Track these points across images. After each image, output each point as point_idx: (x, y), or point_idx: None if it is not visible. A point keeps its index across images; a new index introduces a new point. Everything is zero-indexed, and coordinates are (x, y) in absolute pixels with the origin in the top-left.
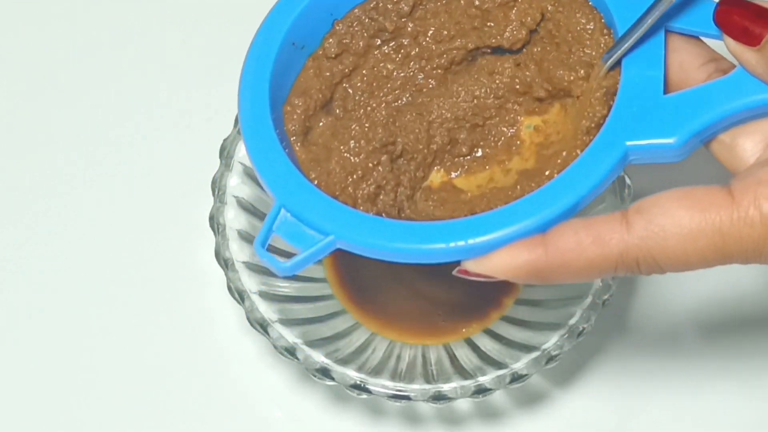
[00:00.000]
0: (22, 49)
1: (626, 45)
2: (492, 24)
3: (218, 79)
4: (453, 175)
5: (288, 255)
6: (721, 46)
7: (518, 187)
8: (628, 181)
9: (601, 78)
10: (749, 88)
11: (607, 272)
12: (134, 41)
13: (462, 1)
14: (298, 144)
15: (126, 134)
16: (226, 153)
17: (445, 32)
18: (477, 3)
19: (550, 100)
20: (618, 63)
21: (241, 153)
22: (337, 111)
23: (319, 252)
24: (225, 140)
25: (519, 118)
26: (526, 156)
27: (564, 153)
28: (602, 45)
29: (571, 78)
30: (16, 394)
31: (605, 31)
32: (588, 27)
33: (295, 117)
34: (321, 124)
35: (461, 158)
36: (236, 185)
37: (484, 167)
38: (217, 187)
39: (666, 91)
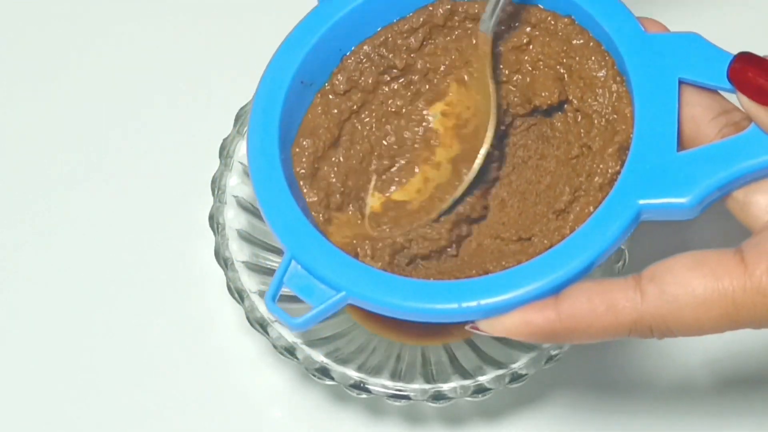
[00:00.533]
0: (21, 50)
1: (501, 3)
2: (502, 66)
3: (218, 78)
4: (388, 193)
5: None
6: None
7: (456, 173)
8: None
9: (487, 39)
10: (763, 147)
11: (619, 336)
12: (134, 41)
13: (473, 40)
14: (307, 186)
15: (125, 134)
16: (225, 152)
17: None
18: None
19: (443, 80)
20: (496, 24)
21: (240, 153)
22: (345, 146)
23: (331, 308)
24: (225, 140)
25: (423, 113)
26: (447, 143)
27: (484, 123)
28: (615, 93)
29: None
30: (15, 393)
31: (618, 78)
32: (600, 74)
33: (303, 160)
34: (332, 160)
35: (387, 173)
36: (236, 185)
37: (413, 171)
38: (217, 186)
39: (678, 145)
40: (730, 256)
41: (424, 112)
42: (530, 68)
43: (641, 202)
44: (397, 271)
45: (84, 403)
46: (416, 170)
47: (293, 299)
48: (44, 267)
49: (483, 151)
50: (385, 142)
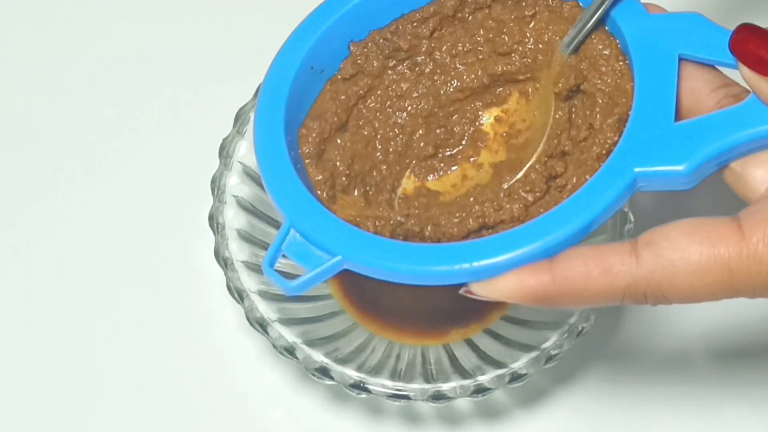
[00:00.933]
0: (21, 50)
1: (584, 30)
2: (506, 37)
3: (218, 78)
4: (426, 179)
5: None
6: (734, 73)
7: (497, 178)
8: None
9: (563, 62)
10: (761, 117)
11: (613, 301)
12: (134, 40)
13: (479, 15)
14: (312, 166)
15: (125, 134)
16: (225, 152)
17: (461, 46)
18: (494, 15)
19: (507, 88)
20: (576, 49)
21: (240, 152)
22: (351, 130)
23: (326, 272)
24: (224, 139)
25: (479, 112)
26: (494, 148)
27: (536, 139)
28: (618, 71)
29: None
30: (15, 393)
31: (620, 57)
32: (604, 53)
33: (310, 140)
34: (338, 142)
35: (428, 161)
36: (235, 185)
37: (453, 166)
38: (217, 186)
39: (677, 117)
40: (727, 224)
41: (480, 113)
42: (539, 44)
43: (637, 169)
44: None
45: (84, 402)
46: (456, 166)
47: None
48: (44, 267)
49: (524, 170)
50: (420, 132)
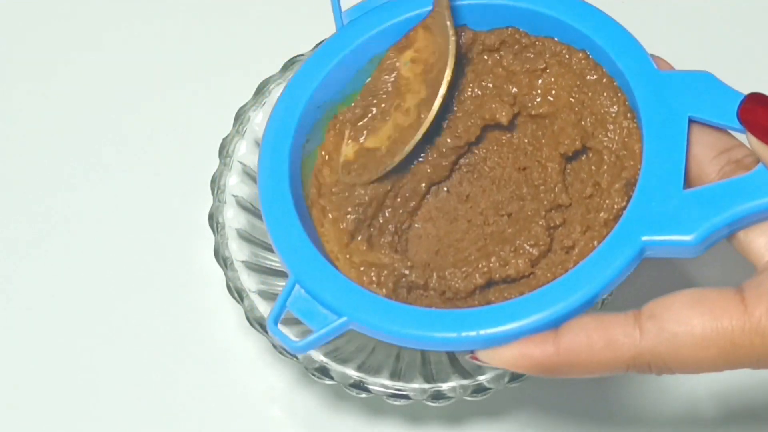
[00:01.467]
0: (21, 50)
1: None
2: (515, 89)
3: (218, 77)
4: (361, 140)
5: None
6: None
7: (421, 117)
8: None
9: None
10: None
11: (617, 372)
12: (134, 40)
13: (489, 62)
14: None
15: (125, 133)
16: (225, 152)
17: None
18: (504, 64)
19: (413, 28)
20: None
21: (240, 152)
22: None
23: (332, 333)
24: (224, 139)
25: (395, 61)
26: (416, 89)
27: (444, 63)
28: (626, 129)
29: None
30: (15, 393)
31: (629, 114)
32: (612, 110)
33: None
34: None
35: (360, 122)
36: (235, 184)
37: (385, 119)
38: (216, 186)
39: (685, 182)
40: (730, 296)
41: (395, 61)
42: (547, 108)
43: (645, 238)
44: (399, 300)
45: (83, 401)
46: (387, 118)
47: (295, 321)
48: (43, 267)
49: (441, 91)
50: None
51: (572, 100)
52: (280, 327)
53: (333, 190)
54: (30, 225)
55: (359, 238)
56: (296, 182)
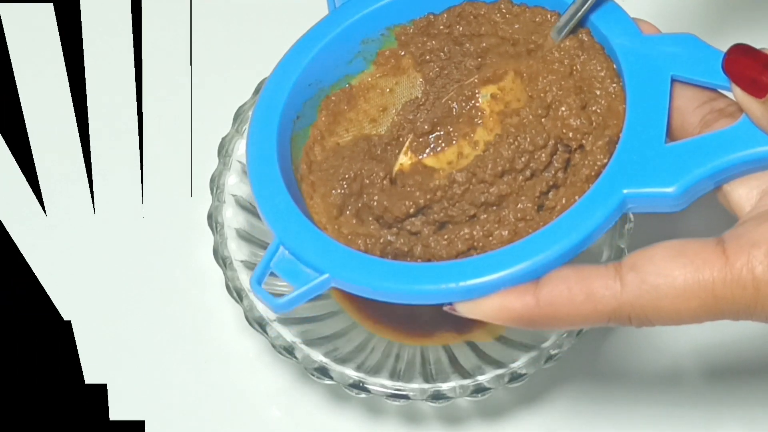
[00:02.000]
0: (21, 49)
1: (576, 16)
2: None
3: (217, 77)
4: (421, 156)
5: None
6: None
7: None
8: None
9: (554, 46)
10: (752, 140)
11: (597, 324)
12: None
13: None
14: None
15: (124, 133)
16: (224, 151)
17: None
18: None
19: (503, 67)
20: (568, 33)
21: (239, 151)
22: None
23: (314, 289)
24: (223, 138)
25: (476, 90)
26: (489, 126)
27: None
28: (612, 93)
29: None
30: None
31: (615, 78)
32: (600, 74)
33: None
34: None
35: (425, 137)
36: (234, 184)
37: (450, 143)
38: (216, 185)
39: (668, 138)
40: (711, 247)
41: (476, 91)
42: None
43: (626, 191)
44: None
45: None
46: (453, 142)
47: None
48: (43, 267)
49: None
50: (412, 115)
51: (575, 70)
52: (264, 287)
53: (323, 166)
54: (29, 224)
55: (348, 213)
56: (285, 154)
